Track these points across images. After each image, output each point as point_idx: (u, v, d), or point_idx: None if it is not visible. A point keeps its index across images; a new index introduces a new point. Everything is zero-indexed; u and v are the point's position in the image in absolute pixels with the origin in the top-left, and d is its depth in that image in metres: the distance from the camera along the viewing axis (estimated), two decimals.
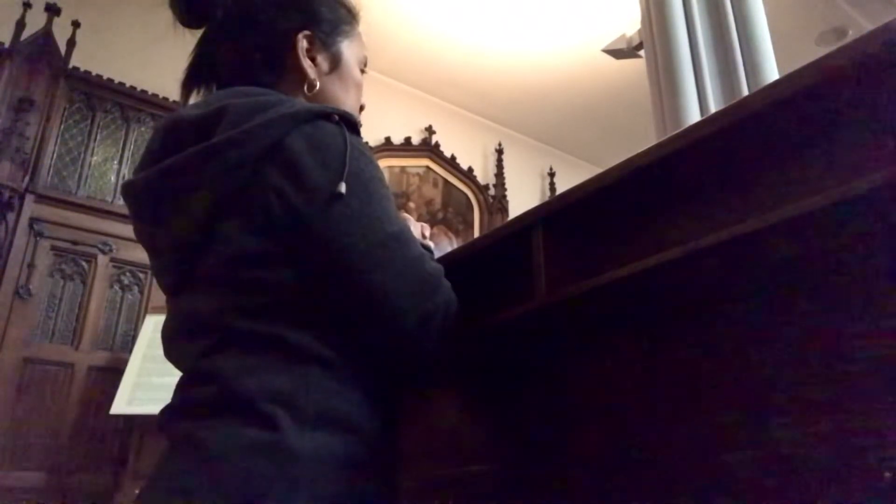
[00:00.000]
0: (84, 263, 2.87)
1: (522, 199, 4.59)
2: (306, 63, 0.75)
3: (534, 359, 0.71)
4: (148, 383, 2.50)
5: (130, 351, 2.67)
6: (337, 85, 0.78)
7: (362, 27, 0.85)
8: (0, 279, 2.61)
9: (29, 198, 2.73)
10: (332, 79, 0.78)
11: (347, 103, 0.79)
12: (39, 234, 2.75)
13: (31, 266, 2.69)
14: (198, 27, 0.78)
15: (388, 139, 4.19)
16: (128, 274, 2.97)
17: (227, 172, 0.61)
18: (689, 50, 1.84)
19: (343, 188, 0.59)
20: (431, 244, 0.79)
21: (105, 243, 2.91)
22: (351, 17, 0.82)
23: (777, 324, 0.50)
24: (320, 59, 0.77)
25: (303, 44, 0.75)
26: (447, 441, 0.81)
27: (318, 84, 0.75)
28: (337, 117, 0.64)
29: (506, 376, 0.74)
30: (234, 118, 0.62)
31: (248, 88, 0.69)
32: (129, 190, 0.68)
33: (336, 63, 0.78)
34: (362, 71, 0.83)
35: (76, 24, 3.04)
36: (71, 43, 3.01)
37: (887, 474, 0.41)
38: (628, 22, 2.72)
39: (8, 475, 2.44)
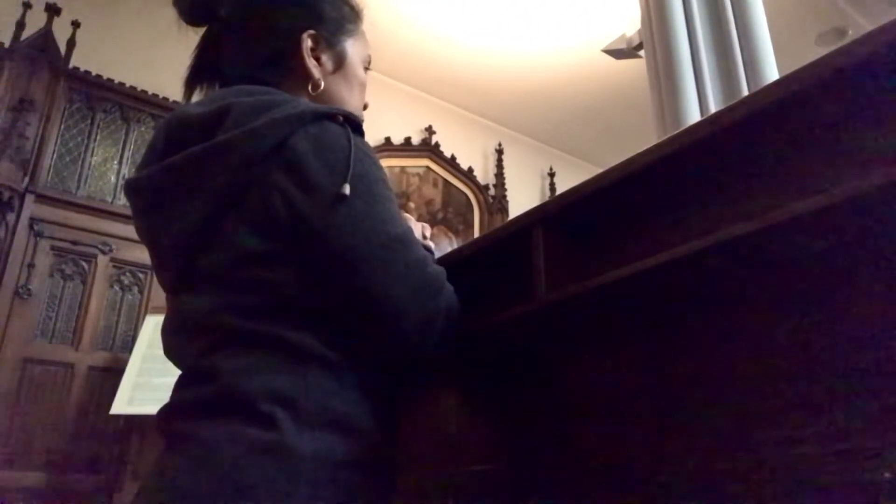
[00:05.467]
0: (84, 263, 2.87)
1: (522, 199, 4.59)
2: (311, 63, 0.75)
3: (534, 359, 0.71)
4: (148, 383, 2.50)
5: (130, 351, 2.67)
6: (341, 84, 0.78)
7: (363, 27, 0.85)
8: (0, 279, 2.60)
9: (29, 198, 2.73)
10: (336, 78, 0.78)
11: (352, 103, 0.78)
12: (39, 234, 2.75)
13: (31, 266, 2.69)
14: (201, 25, 0.78)
15: (388, 139, 4.19)
16: (128, 274, 2.96)
17: (231, 172, 0.61)
18: (689, 50, 1.84)
19: (347, 189, 0.59)
20: (432, 244, 0.79)
21: (105, 243, 2.90)
22: (354, 15, 0.82)
23: (777, 324, 0.50)
24: (325, 58, 0.77)
25: (307, 43, 0.75)
26: (447, 441, 0.81)
27: (322, 84, 0.75)
28: (341, 118, 0.64)
29: (506, 376, 0.74)
30: (238, 117, 0.62)
31: (252, 87, 0.69)
32: (131, 187, 0.68)
33: (340, 62, 0.78)
34: (366, 69, 0.83)
35: (76, 24, 3.04)
36: (71, 43, 3.00)
37: (887, 474, 0.41)
38: (628, 22, 2.72)
39: (8, 475, 2.44)
